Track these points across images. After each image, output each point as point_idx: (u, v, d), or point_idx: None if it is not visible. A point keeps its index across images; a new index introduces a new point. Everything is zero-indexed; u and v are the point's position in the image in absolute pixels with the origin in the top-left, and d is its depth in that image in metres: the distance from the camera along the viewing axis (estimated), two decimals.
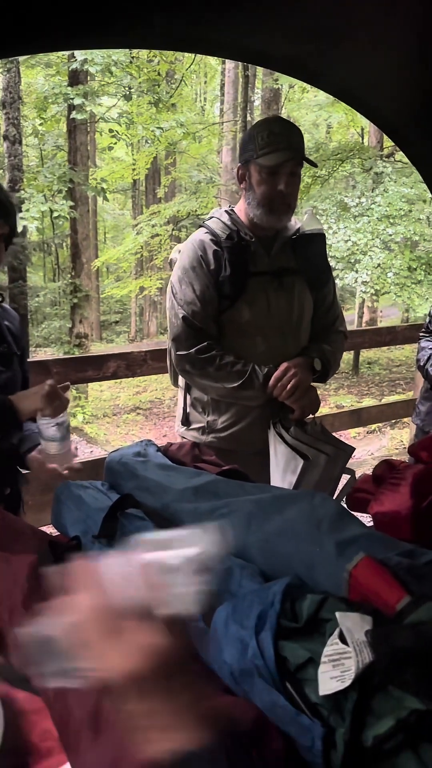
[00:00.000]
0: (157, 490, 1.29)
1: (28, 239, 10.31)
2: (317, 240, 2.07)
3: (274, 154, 1.83)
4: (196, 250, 1.96)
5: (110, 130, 9.93)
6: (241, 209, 2.01)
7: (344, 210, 10.88)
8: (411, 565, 0.88)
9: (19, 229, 7.84)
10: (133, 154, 14.56)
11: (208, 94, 21.00)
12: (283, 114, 17.27)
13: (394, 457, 1.98)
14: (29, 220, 7.95)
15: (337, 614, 0.75)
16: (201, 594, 0.61)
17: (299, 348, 2.06)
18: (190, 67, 12.37)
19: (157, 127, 9.05)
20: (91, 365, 3.19)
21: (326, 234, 10.71)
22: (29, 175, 9.89)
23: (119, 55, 8.51)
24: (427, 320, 3.15)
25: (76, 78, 8.79)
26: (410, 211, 10.20)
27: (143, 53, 9.78)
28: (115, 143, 10.36)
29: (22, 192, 8.45)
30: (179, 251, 2.08)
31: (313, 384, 2.03)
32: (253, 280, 1.96)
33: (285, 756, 0.64)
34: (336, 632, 0.74)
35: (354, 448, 2.06)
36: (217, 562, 0.64)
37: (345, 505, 1.86)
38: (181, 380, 2.17)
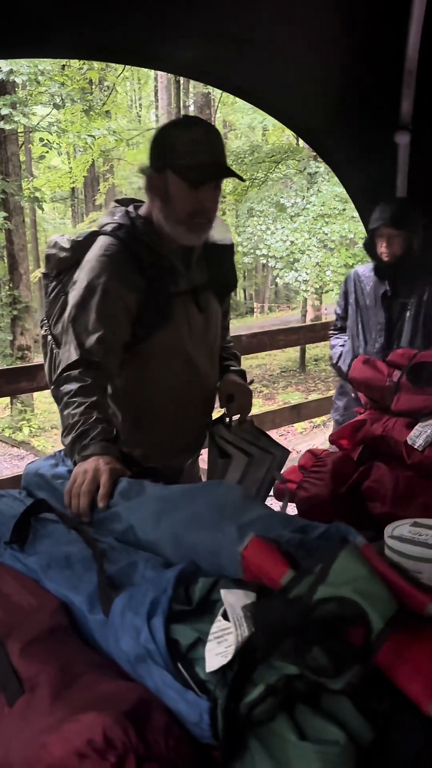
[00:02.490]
0: None
1: None
2: (227, 250, 1.94)
3: (199, 167, 1.62)
4: (107, 266, 1.69)
5: (41, 140, 9.85)
6: (154, 218, 1.76)
7: (281, 211, 11.07)
8: (302, 540, 0.93)
9: None
10: (69, 163, 14.47)
11: (143, 101, 21.00)
12: (218, 118, 17.41)
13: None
14: None
15: (221, 591, 0.78)
16: None
17: (218, 364, 2.02)
18: (121, 74, 12.36)
19: (89, 135, 9.02)
20: (24, 376, 3.16)
21: (265, 235, 10.89)
22: None
23: (46, 64, 8.45)
24: (335, 317, 3.22)
25: (3, 88, 8.68)
26: (344, 209, 10.43)
27: (74, 62, 9.73)
28: (47, 152, 10.27)
29: None
30: (79, 261, 1.78)
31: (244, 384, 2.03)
32: (174, 300, 1.78)
33: (166, 732, 0.66)
34: (221, 610, 0.77)
35: (289, 452, 2.04)
36: None
37: (275, 497, 1.92)
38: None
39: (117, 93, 13.64)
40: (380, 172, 2.97)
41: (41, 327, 2.03)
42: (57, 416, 2.20)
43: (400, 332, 2.90)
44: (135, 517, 1.18)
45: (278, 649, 0.71)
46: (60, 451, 1.51)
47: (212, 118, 14.16)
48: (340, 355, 3.12)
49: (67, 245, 1.88)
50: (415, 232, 2.79)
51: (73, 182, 12.46)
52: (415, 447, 1.76)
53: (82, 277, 1.71)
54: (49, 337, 1.96)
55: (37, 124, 10.15)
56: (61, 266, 1.91)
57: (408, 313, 2.89)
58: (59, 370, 1.65)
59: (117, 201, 1.90)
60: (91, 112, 9.72)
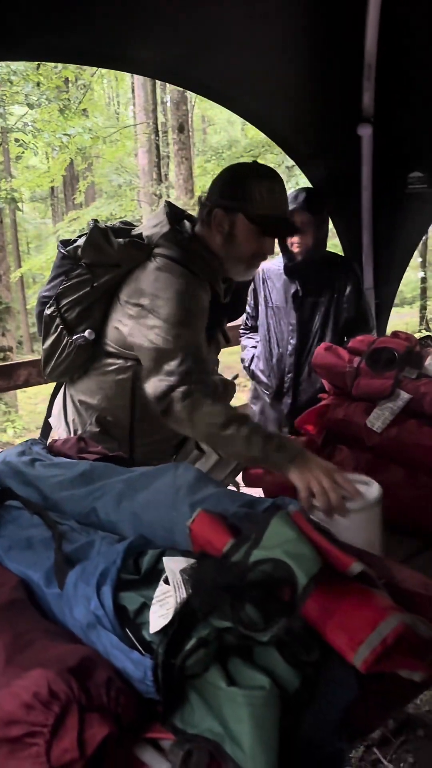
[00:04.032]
0: (36, 483, 1.35)
1: None
2: (248, 284, 2.10)
3: (276, 221, 1.77)
4: (191, 292, 1.75)
5: (16, 140, 9.82)
6: (208, 245, 1.82)
7: None
8: (248, 513, 0.98)
9: None
10: (47, 163, 14.42)
11: (120, 98, 20.94)
12: (197, 114, 17.42)
13: None
14: None
15: (164, 559, 0.84)
16: None
17: None
18: (96, 72, 12.33)
19: (64, 134, 9.02)
20: (1, 375, 3.18)
21: None
22: None
23: (19, 64, 8.42)
24: (245, 316, 3.04)
25: None
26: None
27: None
28: (23, 152, 10.24)
29: None
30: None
31: None
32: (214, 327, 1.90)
33: (108, 685, 0.72)
34: (163, 576, 0.83)
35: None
36: None
37: (243, 484, 1.98)
38: (82, 395, 1.95)
39: (93, 91, 13.61)
40: (343, 166, 3.03)
41: (43, 304, 1.97)
42: (41, 416, 2.16)
43: (314, 333, 2.80)
44: (98, 501, 1.24)
45: (214, 607, 0.77)
46: (28, 441, 1.56)
47: (189, 114, 14.19)
48: (253, 357, 2.98)
49: (113, 244, 1.85)
50: (325, 221, 2.74)
51: (52, 181, 12.42)
52: (374, 429, 1.83)
53: (170, 298, 1.72)
54: (58, 320, 1.93)
55: (14, 124, 10.14)
56: (98, 260, 1.88)
57: (319, 313, 2.79)
58: (169, 379, 1.66)
59: (167, 204, 1.92)
60: (67, 111, 9.71)
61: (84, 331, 1.89)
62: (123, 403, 1.88)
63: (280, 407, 2.90)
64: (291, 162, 11.19)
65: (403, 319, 13.74)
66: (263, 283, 2.89)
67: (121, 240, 1.86)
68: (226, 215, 1.77)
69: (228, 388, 1.96)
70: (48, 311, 1.94)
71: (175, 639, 0.74)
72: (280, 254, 2.83)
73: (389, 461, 1.80)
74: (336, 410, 1.94)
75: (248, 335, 3.06)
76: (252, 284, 2.93)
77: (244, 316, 3.03)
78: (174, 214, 1.90)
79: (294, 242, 2.68)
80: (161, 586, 0.81)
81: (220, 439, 1.61)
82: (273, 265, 2.89)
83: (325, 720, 0.81)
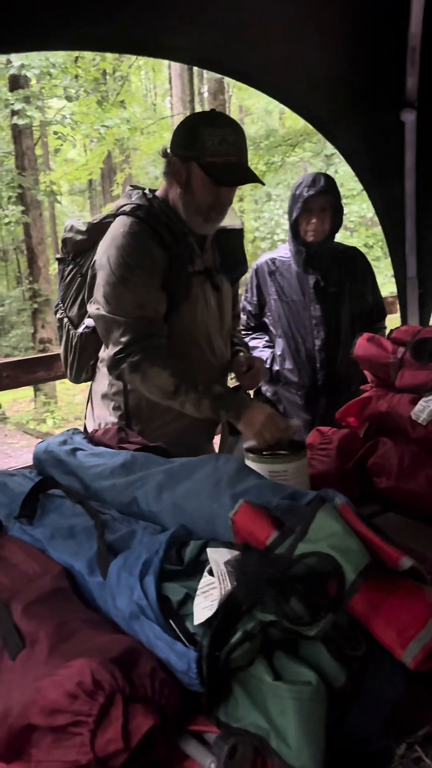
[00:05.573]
0: (78, 472, 1.36)
1: None
2: (237, 235, 2.02)
3: (227, 168, 1.70)
4: (135, 244, 1.74)
5: (55, 133, 9.92)
6: (170, 201, 1.84)
7: None
8: (291, 505, 0.97)
9: None
10: (85, 155, 14.53)
11: (158, 89, 20.95)
12: (233, 104, 17.31)
13: None
14: None
15: (207, 550, 0.83)
16: None
17: (230, 346, 2.07)
18: (134, 63, 12.36)
19: (102, 126, 9.06)
20: (41, 366, 3.23)
21: (282, 219, 10.84)
22: None
23: (58, 57, 8.49)
24: (245, 316, 2.83)
25: (16, 83, 8.75)
26: (363, 189, 10.32)
27: (87, 54, 9.76)
28: (61, 145, 10.33)
29: None
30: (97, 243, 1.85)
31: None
32: (193, 279, 1.85)
33: (152, 676, 0.71)
34: (207, 567, 0.82)
35: (298, 427, 2.10)
36: None
37: None
38: (100, 387, 1.99)
39: (131, 83, 13.65)
40: (387, 152, 2.96)
41: (56, 312, 2.09)
42: (80, 407, 2.24)
43: (343, 324, 2.64)
44: (138, 491, 1.23)
45: (258, 600, 0.76)
46: (69, 431, 1.57)
47: (227, 104, 14.11)
48: (274, 359, 2.72)
49: (83, 228, 1.95)
50: (341, 207, 2.61)
51: (90, 174, 12.50)
52: (419, 421, 1.78)
53: (111, 255, 1.75)
54: (65, 320, 2.03)
55: (53, 117, 10.23)
56: (78, 249, 1.98)
57: (343, 304, 2.65)
58: (115, 351, 1.72)
59: (132, 186, 1.96)
60: (105, 103, 9.75)
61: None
62: (130, 386, 1.89)
63: (316, 407, 2.71)
64: (330, 150, 11.07)
65: None
66: (271, 275, 2.71)
67: (92, 219, 1.96)
68: (183, 164, 1.76)
69: None
70: (58, 315, 2.06)
71: (219, 631, 0.73)
72: (287, 243, 2.69)
73: None
74: (379, 402, 1.90)
75: (253, 336, 2.82)
76: (253, 279, 2.78)
77: (243, 316, 2.81)
78: (138, 186, 1.94)
79: (309, 230, 2.56)
80: (205, 578, 0.81)
81: (173, 404, 1.74)
82: (278, 255, 2.74)
83: (371, 716, 0.79)
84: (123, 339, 1.71)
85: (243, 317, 2.81)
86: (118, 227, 1.79)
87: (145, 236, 1.76)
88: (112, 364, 1.76)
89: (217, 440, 2.13)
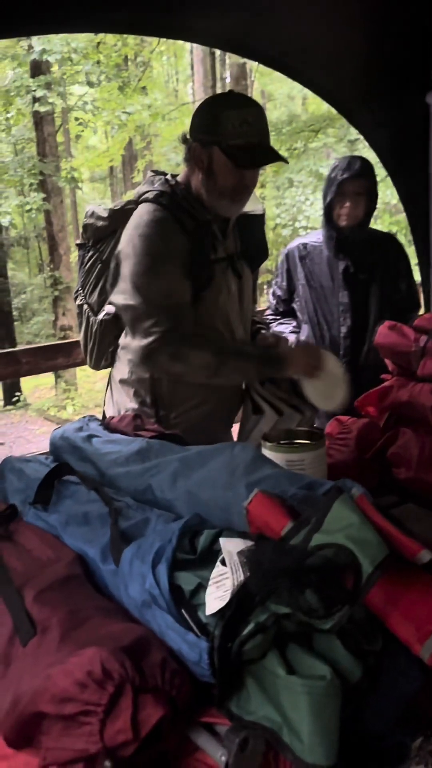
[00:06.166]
0: (94, 459, 1.35)
1: (3, 235, 10.31)
2: (259, 220, 2.00)
3: (248, 150, 1.68)
4: (160, 232, 1.73)
5: (76, 119, 9.91)
6: (193, 187, 1.82)
7: (320, 180, 10.87)
8: (307, 495, 0.95)
9: None
10: (107, 142, 14.51)
11: (179, 75, 20.80)
12: (256, 89, 17.13)
13: None
14: (2, 216, 7.96)
15: (220, 540, 0.82)
16: None
17: (250, 331, 2.06)
18: (155, 48, 12.27)
19: (123, 112, 9.02)
20: (62, 353, 3.25)
21: (304, 206, 10.74)
22: (1, 170, 9.87)
23: (79, 41, 8.45)
24: (274, 301, 2.82)
25: (38, 69, 8.74)
26: (387, 175, 10.17)
27: (109, 39, 9.71)
28: (83, 132, 10.32)
29: None
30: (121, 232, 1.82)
31: None
32: (215, 265, 1.84)
33: (163, 666, 0.70)
34: (220, 557, 0.81)
35: (315, 410, 2.08)
36: None
37: None
38: (119, 374, 1.98)
39: (152, 68, 13.56)
40: (411, 136, 2.89)
41: (75, 298, 2.08)
42: (100, 394, 2.24)
43: (371, 313, 2.58)
44: (153, 478, 1.22)
45: (272, 591, 0.74)
46: (85, 417, 1.56)
47: (249, 89, 13.96)
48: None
49: (104, 214, 1.93)
50: (376, 192, 2.56)
51: (111, 161, 12.48)
52: None
53: (136, 244, 1.73)
54: (85, 306, 2.02)
55: (75, 103, 10.21)
56: (99, 235, 1.96)
57: (373, 292, 2.59)
58: (148, 341, 1.71)
59: (153, 171, 1.94)
60: (127, 89, 9.70)
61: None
62: (160, 375, 1.87)
63: None
64: (353, 136, 10.91)
65: None
66: (301, 260, 2.67)
67: (113, 206, 1.92)
68: (204, 149, 1.73)
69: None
70: (78, 302, 2.04)
71: (232, 622, 0.72)
72: (321, 228, 2.64)
73: None
74: (400, 392, 1.86)
75: (280, 321, 2.79)
76: (284, 264, 2.75)
77: (273, 300, 2.81)
78: (160, 171, 1.92)
79: (342, 214, 2.51)
80: (218, 567, 0.79)
81: (218, 378, 1.77)
82: (310, 240, 2.69)
83: (386, 711, 0.78)
84: (155, 329, 1.70)
85: (272, 302, 2.81)
86: (142, 215, 1.77)
87: (169, 224, 1.74)
88: (145, 354, 1.73)
89: (235, 429, 2.12)
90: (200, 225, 1.78)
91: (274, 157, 1.73)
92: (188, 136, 1.80)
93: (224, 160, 1.70)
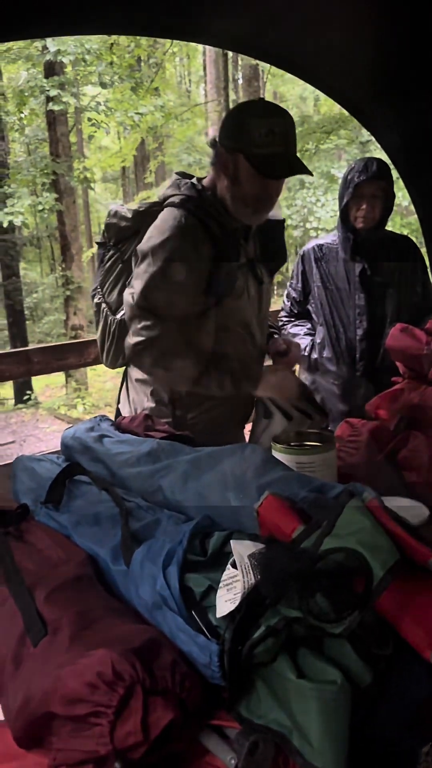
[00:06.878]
0: (104, 459, 1.36)
1: (16, 234, 10.36)
2: (278, 226, 2.01)
3: (274, 160, 1.66)
4: (183, 238, 1.72)
5: (89, 119, 9.94)
6: (218, 192, 1.80)
7: (332, 182, 10.84)
8: (318, 498, 0.95)
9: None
10: (119, 142, 14.54)
11: (192, 76, 20.82)
12: (268, 90, 17.11)
13: None
14: (15, 215, 7.99)
15: (231, 542, 0.82)
16: None
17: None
18: (168, 50, 12.28)
19: (136, 113, 9.04)
20: (72, 352, 3.26)
21: (315, 207, 10.71)
22: (15, 170, 9.92)
23: (93, 43, 8.48)
24: (288, 302, 2.80)
25: (52, 69, 8.78)
26: (398, 177, 10.12)
27: (123, 40, 9.73)
28: (95, 132, 10.35)
29: (6, 188, 8.50)
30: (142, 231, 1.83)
31: None
32: (238, 271, 1.84)
33: (173, 668, 0.70)
34: (230, 559, 0.81)
35: (327, 417, 2.07)
36: None
37: None
38: (137, 373, 1.99)
39: (165, 69, 13.58)
40: (424, 137, 2.88)
41: (93, 297, 2.09)
42: (111, 394, 2.26)
43: (388, 316, 2.54)
44: (164, 479, 1.23)
45: (283, 595, 0.74)
46: (96, 417, 1.57)
47: (261, 90, 13.94)
48: (313, 347, 2.66)
49: (128, 215, 1.92)
50: (393, 193, 2.54)
51: (123, 161, 12.51)
52: None
53: (156, 247, 1.74)
54: (103, 305, 2.02)
55: (88, 104, 10.24)
56: (121, 236, 1.96)
57: (389, 295, 2.55)
58: (136, 341, 1.77)
59: (178, 174, 1.93)
60: (139, 90, 9.72)
61: None
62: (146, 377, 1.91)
63: (354, 398, 2.62)
64: (365, 137, 10.87)
65: None
66: (316, 262, 2.65)
67: (137, 207, 1.92)
68: (230, 155, 1.73)
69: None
70: (96, 300, 2.05)
71: (242, 625, 0.72)
72: (336, 230, 2.63)
73: None
74: (411, 395, 1.86)
75: (295, 323, 2.76)
76: (299, 265, 2.73)
77: (287, 302, 2.79)
78: (185, 174, 1.92)
79: (359, 216, 2.49)
80: (228, 570, 0.79)
81: (198, 389, 1.82)
82: (326, 241, 2.68)
83: (397, 717, 0.77)
84: (144, 333, 1.75)
85: (286, 303, 2.80)
86: (167, 219, 1.76)
87: (195, 231, 1.74)
88: (132, 353, 1.81)
89: (247, 429, 2.12)
90: (227, 233, 1.79)
91: (300, 168, 1.72)
92: (216, 141, 1.79)
93: (249, 169, 1.69)
